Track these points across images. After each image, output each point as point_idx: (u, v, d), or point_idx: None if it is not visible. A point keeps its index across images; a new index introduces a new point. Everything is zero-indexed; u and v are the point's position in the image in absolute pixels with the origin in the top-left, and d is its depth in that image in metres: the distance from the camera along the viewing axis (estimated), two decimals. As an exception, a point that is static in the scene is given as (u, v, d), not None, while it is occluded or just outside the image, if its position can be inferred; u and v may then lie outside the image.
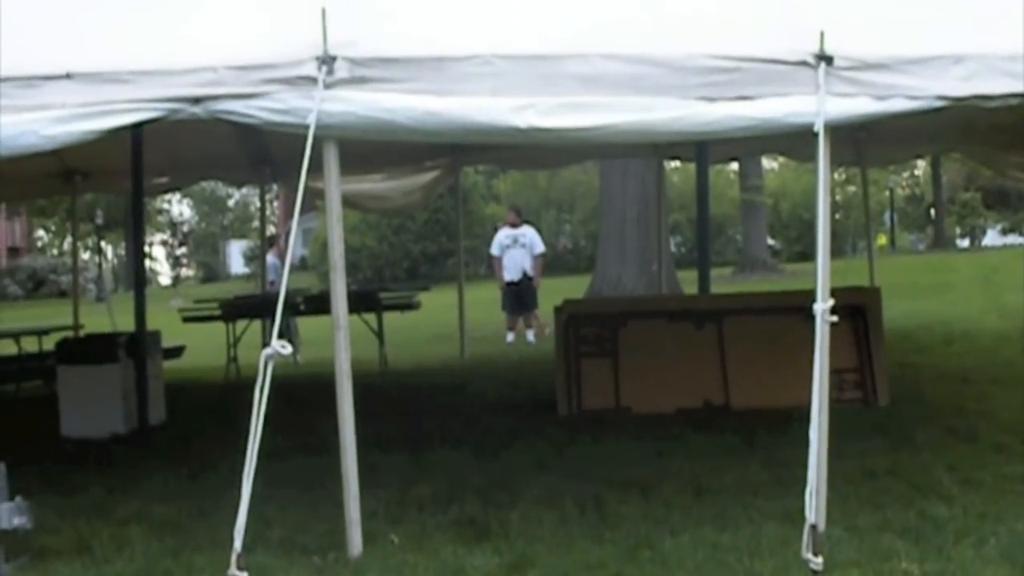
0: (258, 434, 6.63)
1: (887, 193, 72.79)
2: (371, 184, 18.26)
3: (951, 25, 7.83)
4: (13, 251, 76.26)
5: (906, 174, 78.22)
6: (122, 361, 13.43)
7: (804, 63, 7.37)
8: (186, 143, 14.71)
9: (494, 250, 24.52)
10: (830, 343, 7.03)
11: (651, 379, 12.85)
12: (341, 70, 7.26)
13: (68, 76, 7.48)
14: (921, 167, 73.31)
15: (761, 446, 10.43)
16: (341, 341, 7.46)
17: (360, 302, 18.13)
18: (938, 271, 37.07)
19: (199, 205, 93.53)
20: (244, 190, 74.67)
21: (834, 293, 7.06)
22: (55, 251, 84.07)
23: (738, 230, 50.43)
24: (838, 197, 54.65)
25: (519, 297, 24.21)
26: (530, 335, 24.21)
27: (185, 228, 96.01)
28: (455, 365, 18.98)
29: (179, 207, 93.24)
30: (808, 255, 45.88)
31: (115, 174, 16.77)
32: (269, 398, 6.71)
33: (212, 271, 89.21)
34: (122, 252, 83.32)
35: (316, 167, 7.17)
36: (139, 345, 13.55)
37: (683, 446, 10.69)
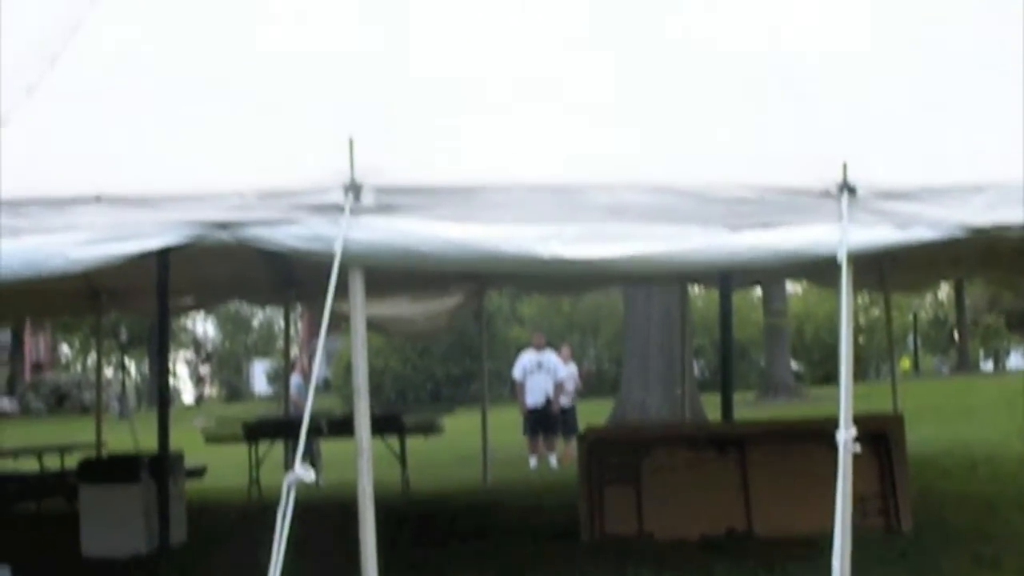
0: (280, 561, 6.61)
1: (911, 316, 72.68)
2: (396, 308, 18.30)
3: (972, 154, 7.88)
4: (37, 366, 76.44)
5: (929, 297, 78.15)
6: (144, 482, 13.44)
7: (827, 193, 7.41)
8: (211, 265, 14.79)
9: (516, 374, 24.50)
10: (853, 469, 7.01)
11: (674, 506, 12.80)
12: (367, 198, 7.31)
13: (97, 199, 7.51)
14: (944, 290, 73.26)
15: (784, 574, 10.37)
16: (364, 467, 7.43)
17: (383, 425, 18.14)
18: (962, 395, 36.88)
19: (223, 324, 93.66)
20: (268, 310, 75.01)
21: (857, 420, 7.04)
22: (78, 367, 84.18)
23: (761, 354, 50.33)
24: (861, 320, 54.63)
25: (542, 422, 24.17)
26: (553, 459, 24.14)
27: (209, 346, 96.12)
28: (478, 489, 18.90)
29: (203, 325, 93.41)
30: (831, 378, 45.51)
31: (141, 294, 16.83)
32: (291, 523, 6.70)
33: (235, 390, 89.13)
34: (145, 369, 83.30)
35: (340, 291, 7.21)
36: (162, 466, 13.56)
37: (706, 574, 10.62)
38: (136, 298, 18.27)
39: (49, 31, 9.21)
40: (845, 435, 6.96)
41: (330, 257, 7.22)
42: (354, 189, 7.29)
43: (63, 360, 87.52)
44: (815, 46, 8.86)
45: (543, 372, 24.10)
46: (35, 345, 76.61)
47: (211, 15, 9.49)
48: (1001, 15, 9.36)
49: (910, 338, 74.42)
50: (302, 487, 6.89)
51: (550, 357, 24.52)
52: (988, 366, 70.33)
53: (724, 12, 9.27)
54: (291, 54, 8.96)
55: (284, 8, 9.54)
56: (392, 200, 7.36)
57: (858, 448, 6.97)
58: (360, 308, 7.48)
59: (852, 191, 7.38)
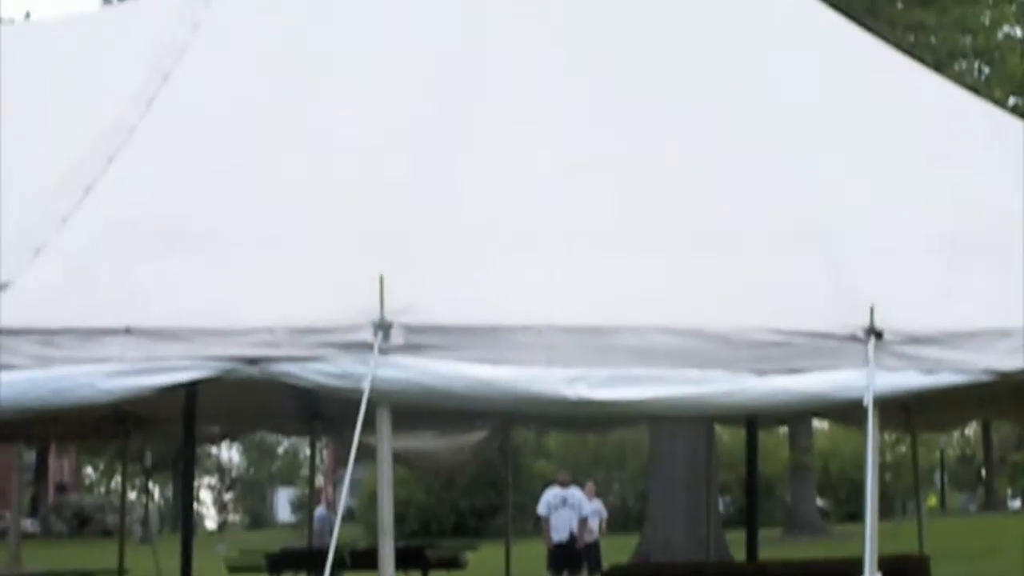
0: None
1: (938, 453, 72.23)
2: (421, 442, 18.27)
3: (998, 298, 7.92)
4: (60, 487, 76.32)
5: (957, 434, 77.75)
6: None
7: (854, 337, 7.45)
8: (239, 395, 14.80)
9: (542, 510, 24.44)
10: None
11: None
12: (397, 336, 7.36)
13: (127, 331, 7.58)
14: (972, 427, 72.86)
15: None
16: (387, 608, 7.44)
17: (407, 559, 18.08)
18: (989, 534, 36.59)
19: (248, 451, 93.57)
20: (293, 438, 74.86)
21: (882, 562, 7.03)
22: (102, 489, 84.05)
23: (787, 490, 50.07)
24: (888, 457, 54.28)
25: (566, 558, 24.06)
26: (577, 596, 24.02)
27: (233, 473, 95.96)
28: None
29: (228, 452, 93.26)
30: (857, 515, 45.18)
31: (167, 422, 16.85)
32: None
33: (259, 517, 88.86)
34: (169, 494, 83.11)
35: (367, 425, 7.24)
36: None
37: None
38: (162, 425, 18.27)
39: (83, 161, 9.34)
40: (871, 580, 6.94)
41: (358, 394, 7.26)
42: (383, 328, 7.34)
43: (87, 482, 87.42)
44: (840, 192, 8.96)
45: (568, 508, 24.05)
46: (59, 466, 76.53)
47: (243, 146, 9.62)
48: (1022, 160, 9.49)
49: (937, 475, 73.92)
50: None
51: (575, 493, 24.47)
52: (1016, 504, 69.73)
53: (752, 157, 9.36)
54: (323, 188, 9.07)
55: (311, 142, 9.65)
56: (421, 339, 7.42)
57: (883, 593, 6.95)
58: (387, 446, 7.50)
59: (879, 336, 7.42)
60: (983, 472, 71.22)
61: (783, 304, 7.78)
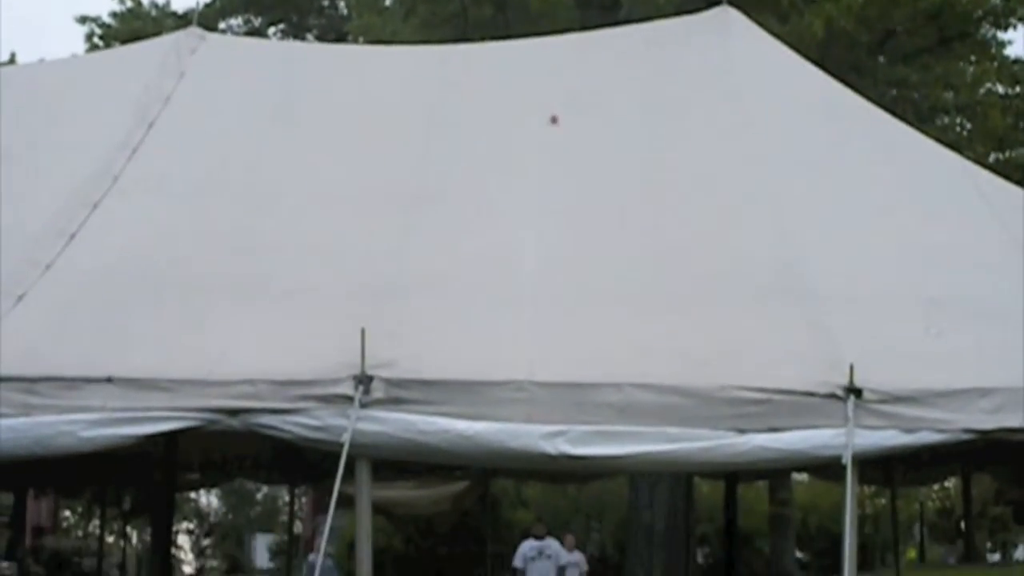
0: None
1: (917, 505, 72.11)
2: (401, 492, 18.24)
3: (977, 357, 7.95)
4: (38, 530, 75.80)
5: (936, 486, 77.59)
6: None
7: (833, 395, 7.47)
8: (218, 444, 14.80)
9: (517, 562, 24.35)
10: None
11: None
12: (377, 390, 7.38)
13: (109, 380, 7.60)
14: (952, 480, 72.72)
15: None
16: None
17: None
18: (969, 587, 36.52)
19: (227, 496, 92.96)
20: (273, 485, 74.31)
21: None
22: (80, 532, 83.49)
23: (767, 542, 49.94)
24: (867, 509, 54.20)
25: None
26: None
27: (211, 518, 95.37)
28: None
29: (207, 497, 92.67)
30: (836, 568, 45.14)
31: (146, 466, 16.79)
32: None
33: (237, 563, 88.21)
34: (147, 537, 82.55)
35: (347, 475, 7.24)
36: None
37: None
38: (141, 472, 18.21)
39: (67, 207, 9.35)
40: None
41: (338, 447, 7.26)
42: (364, 381, 7.37)
43: (64, 525, 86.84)
44: (821, 250, 8.98)
45: (544, 558, 23.94)
46: (37, 509, 75.98)
47: (226, 197, 9.68)
48: (1002, 217, 9.51)
49: (916, 527, 73.80)
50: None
51: (552, 544, 24.37)
52: (995, 557, 69.46)
53: (732, 214, 9.39)
54: (307, 242, 9.09)
55: (294, 194, 9.69)
56: (402, 393, 7.44)
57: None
58: (366, 497, 7.50)
59: (858, 394, 7.45)
60: (962, 525, 70.93)
61: (763, 362, 7.80)
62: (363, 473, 7.47)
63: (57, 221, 9.23)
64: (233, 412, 7.56)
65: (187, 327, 8.29)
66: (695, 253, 8.95)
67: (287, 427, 7.52)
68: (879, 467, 16.26)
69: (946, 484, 73.35)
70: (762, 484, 44.97)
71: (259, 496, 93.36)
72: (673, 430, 7.40)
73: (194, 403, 7.60)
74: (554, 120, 8.33)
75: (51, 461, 14.09)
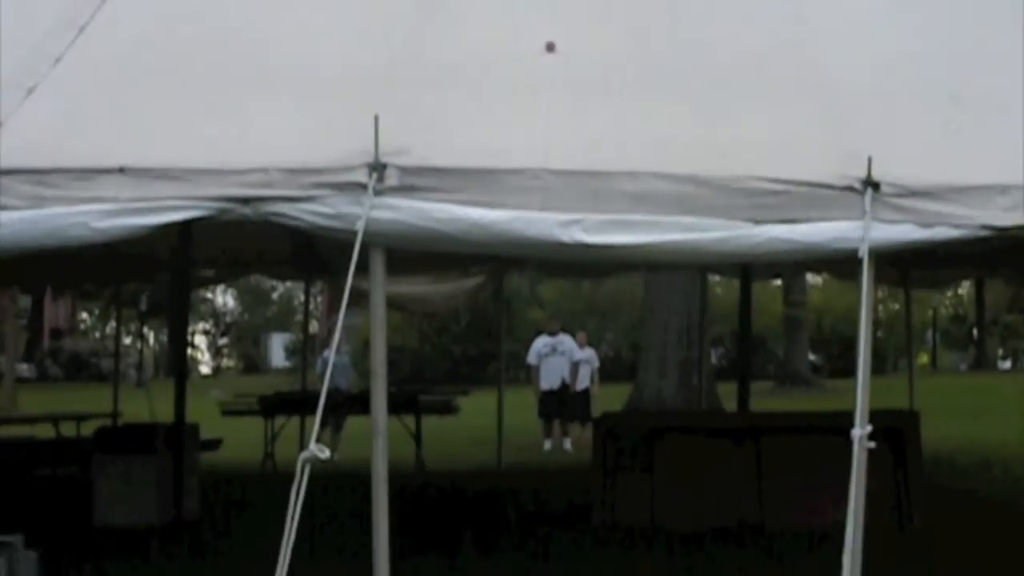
0: (292, 538, 6.60)
1: (930, 312, 72.47)
2: (415, 287, 18.27)
3: (997, 155, 7.85)
4: (56, 333, 76.57)
5: (950, 293, 77.93)
6: (159, 452, 13.47)
7: (851, 188, 7.40)
8: (233, 238, 14.79)
9: (531, 359, 24.57)
10: (867, 465, 6.99)
11: (686, 495, 12.80)
12: (391, 178, 7.31)
13: (121, 170, 7.54)
14: (965, 287, 73.02)
15: (793, 569, 10.36)
16: (379, 448, 7.43)
17: (399, 404, 18.20)
18: (979, 393, 36.71)
19: (243, 296, 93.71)
20: (288, 283, 74.94)
21: (873, 416, 7.03)
22: (97, 334, 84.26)
23: (780, 344, 50.28)
24: (881, 314, 54.51)
25: (557, 405, 24.20)
26: (567, 444, 24.17)
27: (228, 319, 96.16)
28: (491, 471, 18.90)
29: (223, 297, 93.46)
30: (849, 371, 45.38)
31: (161, 263, 16.85)
32: (304, 498, 6.69)
33: (253, 363, 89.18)
34: (164, 339, 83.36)
35: (361, 267, 7.23)
36: (178, 437, 13.60)
37: (714, 565, 10.62)
38: (157, 268, 18.28)
39: (75, 1, 9.22)
40: (860, 432, 6.94)
41: (352, 236, 7.22)
42: (378, 169, 7.30)
43: (82, 327, 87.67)
44: (843, 42, 8.86)
45: (558, 355, 24.17)
46: (55, 311, 76.70)
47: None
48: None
49: (929, 334, 74.21)
50: (317, 462, 6.90)
51: (565, 340, 24.58)
52: (1006, 365, 70.03)
53: (750, 5, 9.26)
54: (319, 30, 8.99)
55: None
56: (416, 181, 7.37)
57: (873, 445, 6.95)
58: (380, 288, 7.47)
59: (876, 187, 7.37)
60: (975, 332, 71.38)
61: (781, 153, 7.72)
62: (377, 262, 7.43)
63: (66, 13, 9.09)
64: (246, 201, 7.49)
65: (200, 117, 8.20)
66: (714, 45, 8.82)
67: (300, 215, 7.47)
68: (894, 267, 16.30)
69: (959, 291, 73.93)
70: (776, 286, 45.35)
71: (275, 296, 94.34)
72: (688, 219, 7.35)
73: (207, 192, 7.52)
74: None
75: (67, 261, 14.26)
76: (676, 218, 7.35)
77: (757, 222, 7.39)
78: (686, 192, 7.41)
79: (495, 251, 9.10)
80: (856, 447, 6.93)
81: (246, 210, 7.54)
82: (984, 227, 7.51)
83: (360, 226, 7.20)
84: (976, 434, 23.89)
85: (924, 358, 68.69)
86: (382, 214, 7.28)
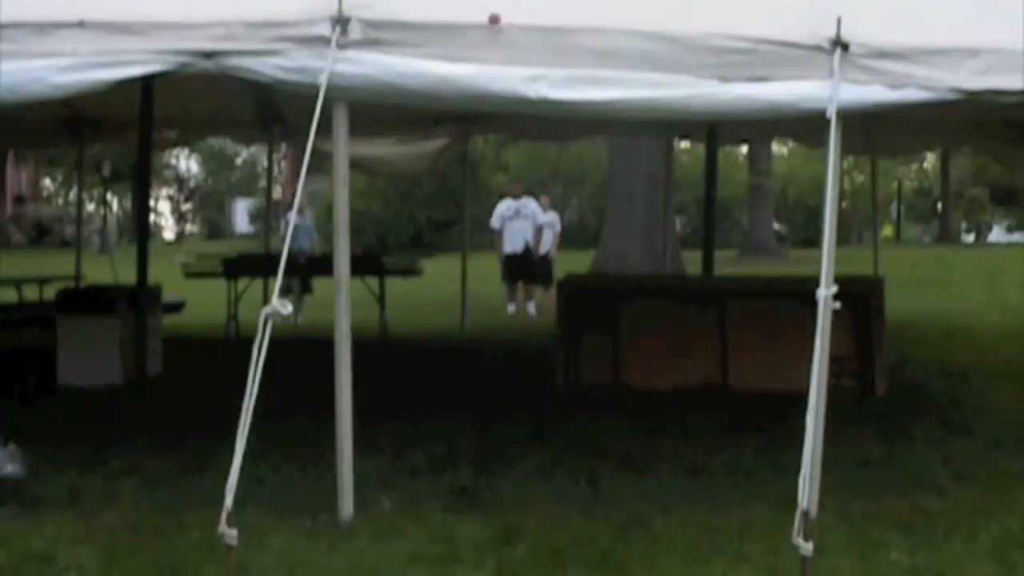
0: (254, 393, 6.58)
1: (895, 184, 72.69)
2: (379, 148, 18.14)
3: (969, 18, 7.81)
4: (19, 199, 76.13)
5: (915, 166, 78.12)
6: (122, 313, 13.45)
7: (820, 48, 7.36)
8: (196, 97, 14.62)
9: (495, 222, 24.50)
10: (831, 331, 6.99)
11: (650, 357, 12.84)
12: (355, 31, 7.24)
13: (80, 24, 7.45)
14: (930, 160, 73.22)
15: (756, 429, 10.41)
16: (342, 304, 7.44)
17: (363, 265, 18.17)
18: (942, 265, 36.90)
19: (207, 161, 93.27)
20: (252, 148, 74.45)
21: (837, 280, 7.02)
22: (60, 201, 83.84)
23: (744, 213, 50.39)
24: (846, 186, 54.62)
25: (520, 268, 24.20)
26: (531, 307, 24.20)
27: (192, 184, 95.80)
28: (455, 334, 18.92)
29: (186, 163, 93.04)
30: (812, 242, 45.83)
31: (123, 125, 16.69)
32: (267, 358, 6.67)
33: (217, 228, 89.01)
34: (128, 205, 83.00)
35: (325, 129, 7.16)
36: (140, 299, 13.57)
37: (679, 425, 10.66)
38: (119, 129, 18.10)
39: None
40: (825, 293, 6.93)
41: (315, 90, 7.17)
42: (341, 22, 7.23)
43: (45, 193, 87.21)
44: None
45: (521, 219, 24.11)
46: (17, 177, 76.17)
47: None
48: None
49: (893, 206, 74.49)
50: (280, 324, 6.88)
51: (529, 204, 24.51)
52: (970, 239, 70.37)
53: None
54: None
55: None
56: (379, 35, 7.31)
57: (838, 305, 6.94)
58: (343, 143, 7.43)
59: (845, 47, 7.33)
60: (939, 205, 71.65)
61: (750, 11, 7.66)
62: (340, 118, 7.38)
63: None
64: (208, 55, 7.42)
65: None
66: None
67: (262, 69, 7.40)
68: (859, 134, 16.23)
69: (924, 165, 74.11)
70: (742, 155, 45.37)
71: (239, 161, 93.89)
72: (656, 76, 7.30)
73: (168, 46, 7.44)
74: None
75: (26, 123, 14.06)
76: (643, 74, 7.30)
77: (724, 80, 7.35)
78: (653, 49, 7.35)
79: (459, 106, 9.05)
80: (821, 307, 6.91)
81: (208, 64, 7.46)
82: (953, 90, 7.49)
83: (323, 80, 7.14)
84: (938, 305, 24.01)
85: (888, 230, 69.01)
86: (345, 68, 7.21)
